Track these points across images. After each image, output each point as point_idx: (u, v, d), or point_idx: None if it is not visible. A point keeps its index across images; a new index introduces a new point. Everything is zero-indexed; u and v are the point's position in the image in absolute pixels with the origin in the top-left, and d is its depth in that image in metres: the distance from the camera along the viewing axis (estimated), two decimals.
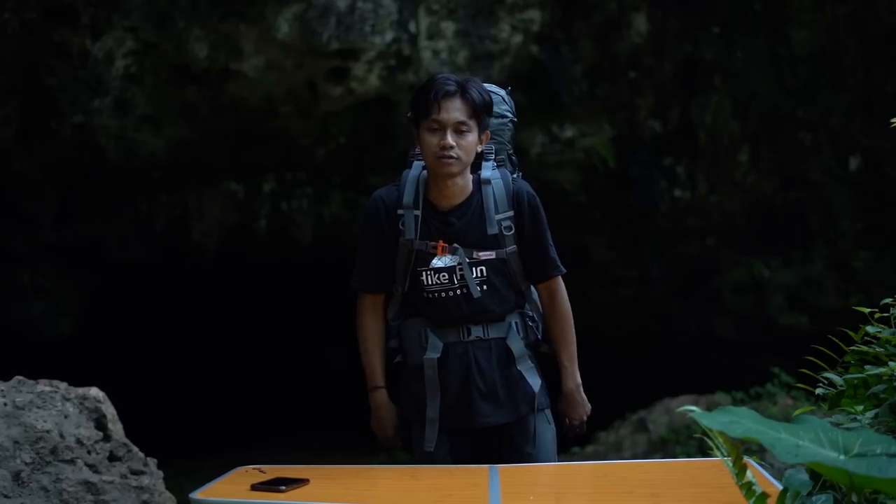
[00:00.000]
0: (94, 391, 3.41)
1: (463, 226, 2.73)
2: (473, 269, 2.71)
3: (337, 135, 8.30)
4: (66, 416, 3.17)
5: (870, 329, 2.32)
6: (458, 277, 2.71)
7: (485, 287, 2.72)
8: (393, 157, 8.42)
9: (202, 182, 8.57)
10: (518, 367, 2.76)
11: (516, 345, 2.77)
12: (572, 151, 8.49)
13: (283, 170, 8.59)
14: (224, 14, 7.26)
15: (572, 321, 2.85)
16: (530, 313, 2.86)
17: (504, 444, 2.77)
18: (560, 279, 2.84)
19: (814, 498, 1.71)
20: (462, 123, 2.66)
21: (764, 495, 1.71)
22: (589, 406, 2.86)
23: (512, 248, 2.75)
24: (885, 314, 2.34)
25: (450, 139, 2.64)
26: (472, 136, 2.68)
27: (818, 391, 2.35)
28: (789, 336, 8.39)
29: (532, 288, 2.87)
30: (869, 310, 2.36)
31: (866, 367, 2.25)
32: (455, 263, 2.71)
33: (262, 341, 11.73)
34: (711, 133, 8.42)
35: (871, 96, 8.16)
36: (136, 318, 10.38)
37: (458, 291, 2.72)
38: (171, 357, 10.89)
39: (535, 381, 2.77)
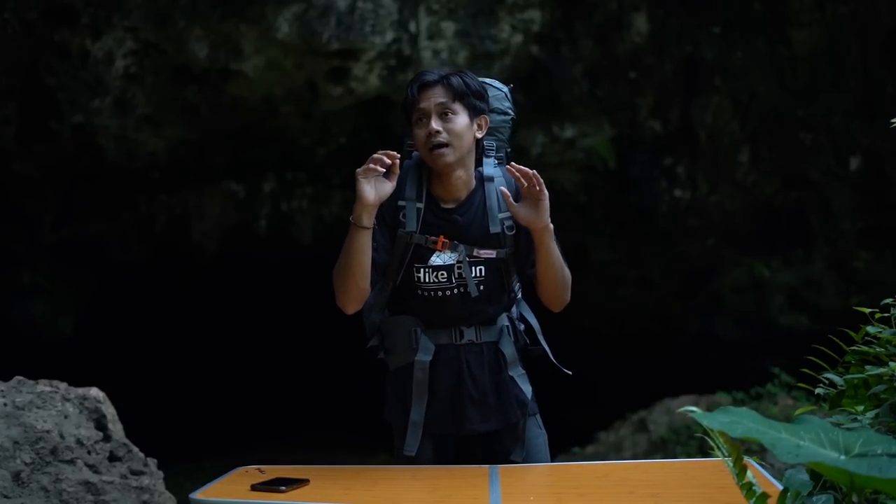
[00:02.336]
0: (94, 391, 3.41)
1: (466, 222, 2.61)
2: (473, 268, 2.60)
3: (337, 135, 8.30)
4: (66, 417, 3.17)
5: (870, 329, 2.31)
6: (457, 276, 2.60)
7: (482, 287, 2.61)
8: None
9: (202, 182, 8.56)
10: (510, 373, 2.66)
11: (509, 349, 2.66)
12: (572, 151, 8.48)
13: (283, 170, 8.59)
14: (224, 14, 7.25)
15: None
16: (516, 314, 2.76)
17: (491, 450, 2.67)
18: None
19: (814, 498, 1.71)
20: (444, 106, 2.55)
21: (764, 495, 1.71)
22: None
23: (512, 248, 2.64)
24: (886, 314, 2.34)
25: (434, 125, 2.53)
26: (460, 120, 2.56)
27: (819, 391, 2.34)
28: (789, 336, 8.38)
29: (520, 291, 2.78)
30: (869, 310, 2.35)
31: (867, 367, 2.25)
32: (454, 261, 2.59)
33: (262, 341, 11.72)
34: (712, 133, 8.41)
35: (872, 96, 8.15)
36: (136, 318, 10.37)
37: (456, 291, 2.60)
38: (172, 357, 10.89)
39: (527, 388, 2.68)
